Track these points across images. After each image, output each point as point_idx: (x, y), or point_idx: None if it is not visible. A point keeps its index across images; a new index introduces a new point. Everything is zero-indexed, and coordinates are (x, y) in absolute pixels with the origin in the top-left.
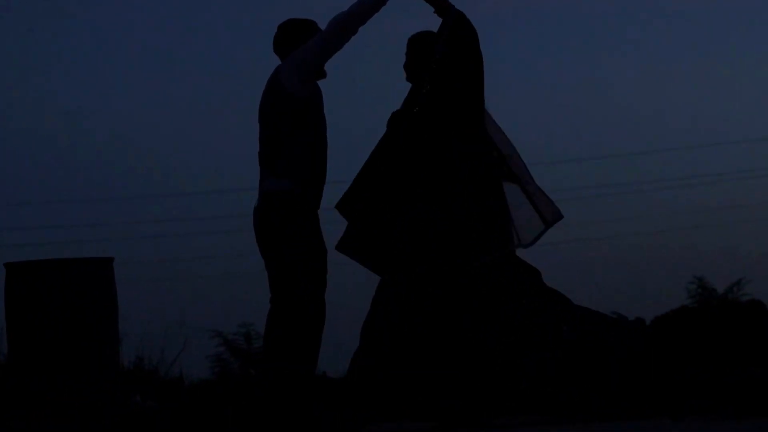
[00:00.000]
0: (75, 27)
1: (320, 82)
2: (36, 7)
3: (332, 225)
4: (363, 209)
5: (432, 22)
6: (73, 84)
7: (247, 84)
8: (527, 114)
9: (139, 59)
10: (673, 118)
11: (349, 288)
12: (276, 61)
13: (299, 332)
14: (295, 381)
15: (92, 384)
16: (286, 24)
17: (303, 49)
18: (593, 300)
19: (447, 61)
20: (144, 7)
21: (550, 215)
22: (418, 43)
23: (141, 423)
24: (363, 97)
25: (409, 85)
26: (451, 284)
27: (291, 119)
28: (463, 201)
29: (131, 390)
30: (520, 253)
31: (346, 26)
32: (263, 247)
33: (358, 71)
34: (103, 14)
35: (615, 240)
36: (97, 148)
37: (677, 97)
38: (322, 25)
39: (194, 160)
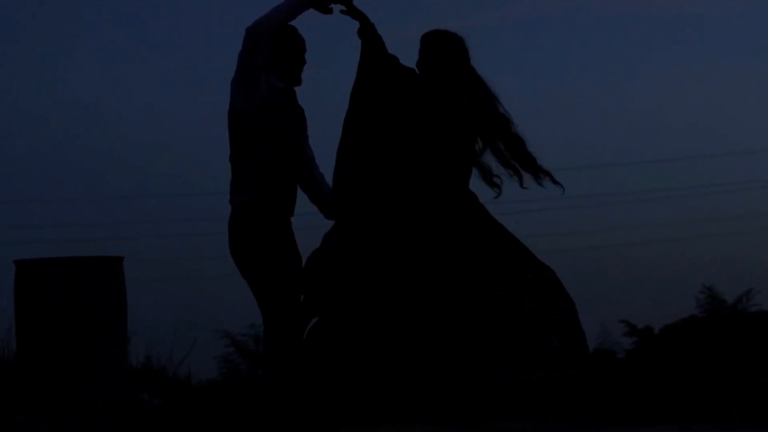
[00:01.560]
0: (99, 27)
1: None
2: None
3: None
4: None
5: (438, 24)
6: (89, 83)
7: None
8: (539, 119)
9: (154, 60)
10: (685, 128)
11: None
12: None
13: (288, 339)
14: (291, 388)
15: (100, 382)
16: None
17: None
18: (604, 308)
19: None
20: (164, 5)
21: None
22: (430, 41)
23: (147, 421)
24: None
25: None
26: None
27: (242, 132)
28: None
29: (139, 388)
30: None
31: (255, 34)
32: (236, 259)
33: None
34: (122, 13)
35: (625, 248)
36: (108, 148)
37: (688, 106)
38: (302, 29)
39: (206, 160)
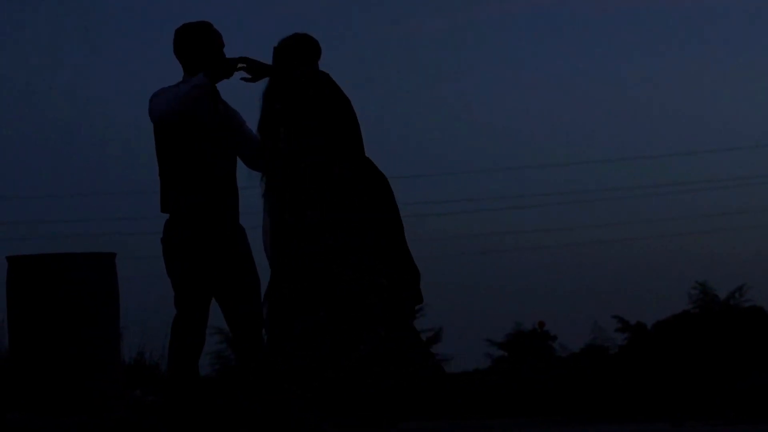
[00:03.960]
0: (96, 20)
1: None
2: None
3: None
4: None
5: (441, 22)
6: (84, 79)
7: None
8: (531, 115)
9: (149, 55)
10: (677, 123)
11: None
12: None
13: (183, 352)
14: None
15: (93, 378)
16: (181, 29)
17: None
18: (597, 303)
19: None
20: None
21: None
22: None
23: (141, 418)
24: (381, 94)
25: None
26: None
27: (160, 144)
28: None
29: (132, 384)
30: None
31: (163, 122)
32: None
33: (378, 69)
34: (123, 8)
35: (617, 244)
36: (101, 143)
37: (681, 102)
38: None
39: None
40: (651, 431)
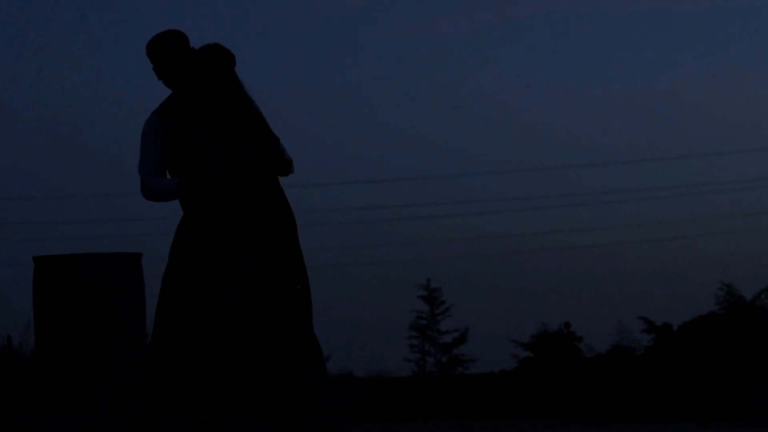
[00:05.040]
0: (125, 20)
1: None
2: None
3: None
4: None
5: (455, 21)
6: (110, 78)
7: (270, 82)
8: (557, 115)
9: None
10: (704, 124)
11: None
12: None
13: None
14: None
15: (118, 378)
16: (148, 44)
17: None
18: (622, 304)
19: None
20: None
21: None
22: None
23: (165, 420)
24: (406, 94)
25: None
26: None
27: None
28: None
29: None
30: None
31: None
32: None
33: (391, 66)
34: (147, 8)
35: (643, 244)
36: (127, 143)
37: (707, 103)
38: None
39: None
40: (676, 431)
